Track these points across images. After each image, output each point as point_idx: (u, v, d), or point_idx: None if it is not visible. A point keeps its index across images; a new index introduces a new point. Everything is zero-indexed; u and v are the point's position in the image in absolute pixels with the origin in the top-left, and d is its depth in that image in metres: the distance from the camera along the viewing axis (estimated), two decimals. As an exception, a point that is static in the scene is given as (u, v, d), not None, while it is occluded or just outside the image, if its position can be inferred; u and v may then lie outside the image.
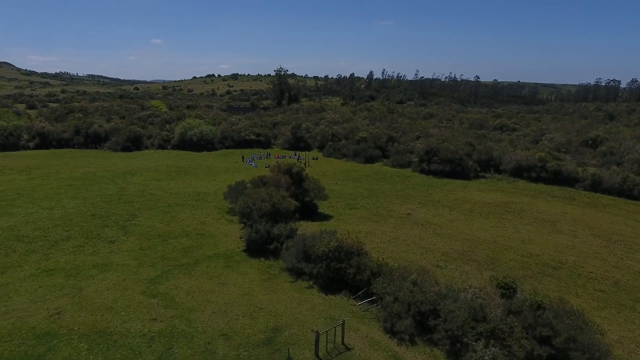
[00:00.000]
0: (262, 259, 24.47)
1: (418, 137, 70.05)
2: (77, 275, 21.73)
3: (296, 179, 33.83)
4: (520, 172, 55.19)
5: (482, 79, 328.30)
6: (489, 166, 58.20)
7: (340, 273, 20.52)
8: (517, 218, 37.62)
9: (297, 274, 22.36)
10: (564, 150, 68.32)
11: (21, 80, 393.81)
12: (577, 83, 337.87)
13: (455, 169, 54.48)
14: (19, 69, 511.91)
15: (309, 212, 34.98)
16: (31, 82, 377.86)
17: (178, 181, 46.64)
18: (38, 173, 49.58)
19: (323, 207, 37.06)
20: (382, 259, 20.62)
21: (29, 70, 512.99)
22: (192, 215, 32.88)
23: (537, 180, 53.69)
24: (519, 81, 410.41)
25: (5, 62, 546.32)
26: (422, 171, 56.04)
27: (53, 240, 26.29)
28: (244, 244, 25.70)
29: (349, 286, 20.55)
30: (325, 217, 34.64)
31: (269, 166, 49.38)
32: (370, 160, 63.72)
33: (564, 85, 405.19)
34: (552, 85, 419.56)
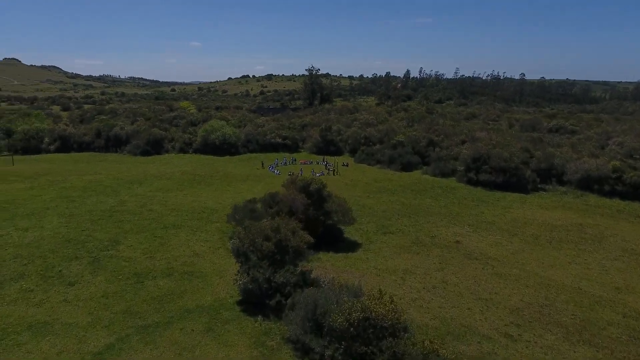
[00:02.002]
0: (260, 318, 17.72)
1: (463, 142, 61.45)
2: (-1, 343, 15.87)
3: (316, 198, 27.08)
4: (589, 184, 45.90)
5: (527, 77, 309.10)
6: (549, 176, 49.12)
7: (366, 360, 13.57)
8: (598, 249, 29.22)
9: (304, 349, 15.49)
10: (638, 157, 58.19)
11: (66, 83, 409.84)
12: (634, 80, 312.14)
13: (510, 180, 45.93)
14: (65, 72, 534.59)
15: (332, 237, 28.20)
16: (75, 85, 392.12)
17: (187, 192, 41.04)
18: (43, 181, 45.47)
19: (350, 230, 30.16)
20: (430, 341, 13.41)
21: (75, 73, 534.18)
22: (186, 242, 26.72)
23: (611, 194, 44.36)
24: (567, 79, 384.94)
25: (54, 66, 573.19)
26: (470, 182, 47.81)
27: (-1, 280, 20.77)
28: (239, 293, 19.18)
29: (378, 382, 13.50)
30: (352, 246, 27.68)
31: (292, 174, 43.27)
32: (407, 167, 55.97)
33: (619, 82, 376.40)
34: (604, 83, 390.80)
